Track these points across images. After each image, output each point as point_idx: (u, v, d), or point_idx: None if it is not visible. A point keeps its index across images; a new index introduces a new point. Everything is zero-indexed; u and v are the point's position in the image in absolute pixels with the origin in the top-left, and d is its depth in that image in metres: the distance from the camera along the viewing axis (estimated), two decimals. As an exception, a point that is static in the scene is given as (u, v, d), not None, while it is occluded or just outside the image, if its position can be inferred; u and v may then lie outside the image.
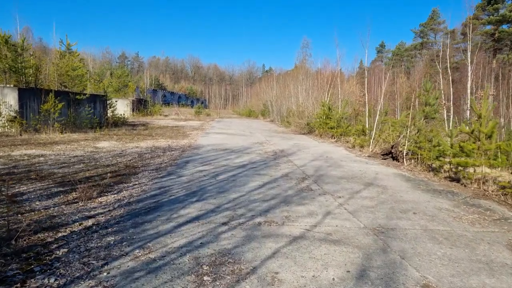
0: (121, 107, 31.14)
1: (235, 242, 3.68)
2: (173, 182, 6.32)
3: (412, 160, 9.71)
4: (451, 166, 7.85)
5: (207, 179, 6.76)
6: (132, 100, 31.50)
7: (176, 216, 4.44)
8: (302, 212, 4.92)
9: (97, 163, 7.67)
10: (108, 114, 18.50)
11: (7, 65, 13.19)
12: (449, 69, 17.48)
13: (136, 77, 72.10)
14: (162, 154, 9.65)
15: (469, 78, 17.66)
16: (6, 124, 12.68)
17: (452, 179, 7.62)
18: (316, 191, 6.21)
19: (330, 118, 17.86)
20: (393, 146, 10.54)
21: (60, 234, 3.65)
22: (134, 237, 3.69)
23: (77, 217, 4.19)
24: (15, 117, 12.97)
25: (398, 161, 10.24)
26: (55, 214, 4.25)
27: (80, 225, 3.95)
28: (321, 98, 21.82)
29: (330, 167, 8.95)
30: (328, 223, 4.49)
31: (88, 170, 6.85)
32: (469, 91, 17.54)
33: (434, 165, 8.60)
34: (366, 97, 17.37)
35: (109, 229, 3.87)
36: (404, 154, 9.97)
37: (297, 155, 11.12)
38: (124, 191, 5.51)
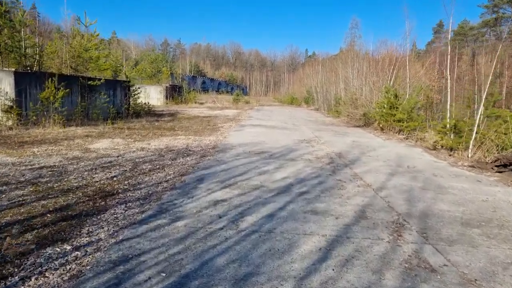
0: (154, 95, 29.11)
1: None
2: (154, 241, 3.29)
3: None
4: None
5: (221, 228, 3.67)
6: (166, 87, 29.29)
7: None
8: None
9: (56, 185, 4.88)
10: (130, 103, 16.05)
11: (2, 43, 10.95)
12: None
13: (176, 63, 70.82)
14: (170, 162, 6.72)
15: None
16: (-1, 116, 10.50)
17: None
18: (445, 277, 2.89)
19: (397, 108, 14.03)
20: (520, 154, 6.78)
21: None
22: None
23: None
24: (11, 107, 10.76)
25: (531, 180, 6.49)
26: None
27: None
28: (381, 83, 17.87)
29: (427, 192, 5.51)
30: None
31: (23, 204, 4.03)
32: None
33: None
34: (449, 81, 13.30)
35: None
36: (548, 171, 6.21)
37: (364, 163, 7.72)
38: (30, 281, 2.57)
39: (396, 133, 14.06)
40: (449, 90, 13.42)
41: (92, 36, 15.66)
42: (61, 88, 11.47)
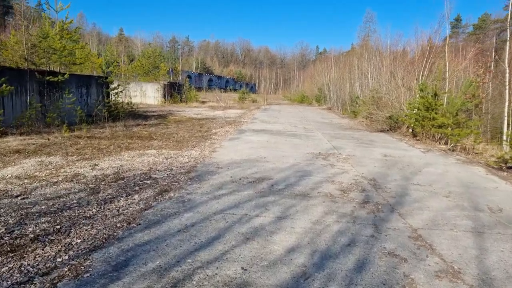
0: (151, 93, 26.53)
1: None
2: None
3: None
4: None
5: None
6: (164, 84, 26.61)
7: None
8: None
9: None
10: (107, 103, 13.29)
11: None
12: None
13: (182, 60, 68.29)
14: (94, 211, 3.94)
15: None
16: None
17: None
18: None
19: (436, 110, 11.02)
20: None
21: None
22: None
23: None
24: None
25: None
26: None
27: None
28: (411, 78, 14.83)
29: None
30: None
31: None
32: None
33: None
34: (507, 74, 10.27)
35: None
36: None
37: (417, 201, 4.83)
38: None
39: (435, 141, 11.07)
40: (507, 86, 10.40)
41: (65, 24, 13.03)
42: (4, 85, 8.83)
